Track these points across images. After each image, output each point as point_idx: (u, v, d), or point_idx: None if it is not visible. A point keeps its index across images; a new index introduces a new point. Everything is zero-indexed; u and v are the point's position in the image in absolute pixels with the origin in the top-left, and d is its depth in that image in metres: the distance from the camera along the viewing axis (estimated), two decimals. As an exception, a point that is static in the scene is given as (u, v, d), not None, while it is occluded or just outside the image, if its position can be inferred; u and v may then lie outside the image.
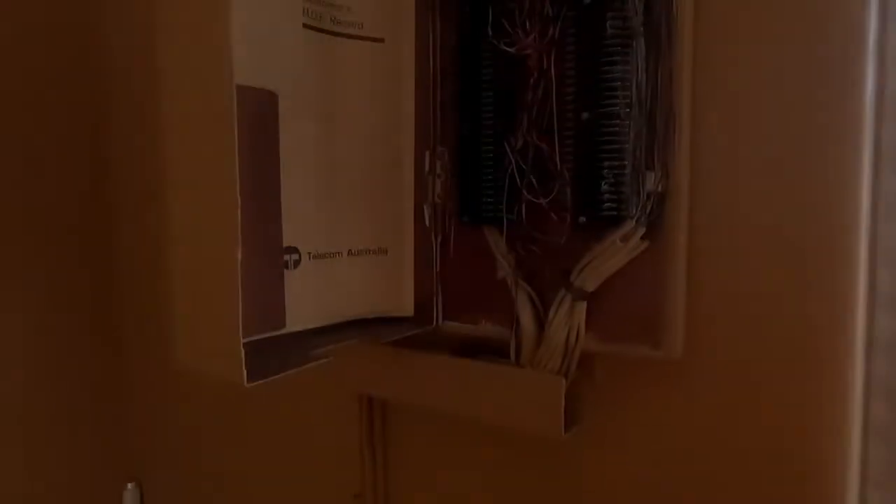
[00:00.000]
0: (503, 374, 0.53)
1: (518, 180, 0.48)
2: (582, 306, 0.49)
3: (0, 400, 0.83)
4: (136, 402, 0.95)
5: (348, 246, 0.57)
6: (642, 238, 0.45)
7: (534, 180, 0.48)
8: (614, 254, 0.46)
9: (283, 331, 0.51)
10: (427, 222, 0.58)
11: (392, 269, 0.59)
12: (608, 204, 0.44)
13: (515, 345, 0.53)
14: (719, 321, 0.47)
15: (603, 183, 0.44)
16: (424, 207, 0.58)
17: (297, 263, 0.52)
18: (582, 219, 0.45)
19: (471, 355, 0.56)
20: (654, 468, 0.51)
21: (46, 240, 0.85)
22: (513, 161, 0.48)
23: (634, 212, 0.44)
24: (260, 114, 0.48)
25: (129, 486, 0.97)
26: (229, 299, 0.40)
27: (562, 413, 0.49)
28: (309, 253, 0.54)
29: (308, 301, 0.53)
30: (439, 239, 0.58)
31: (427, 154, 0.57)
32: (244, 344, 0.47)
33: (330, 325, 0.55)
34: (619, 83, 0.42)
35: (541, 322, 0.52)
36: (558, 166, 0.46)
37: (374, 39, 0.56)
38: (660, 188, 0.44)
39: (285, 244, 0.51)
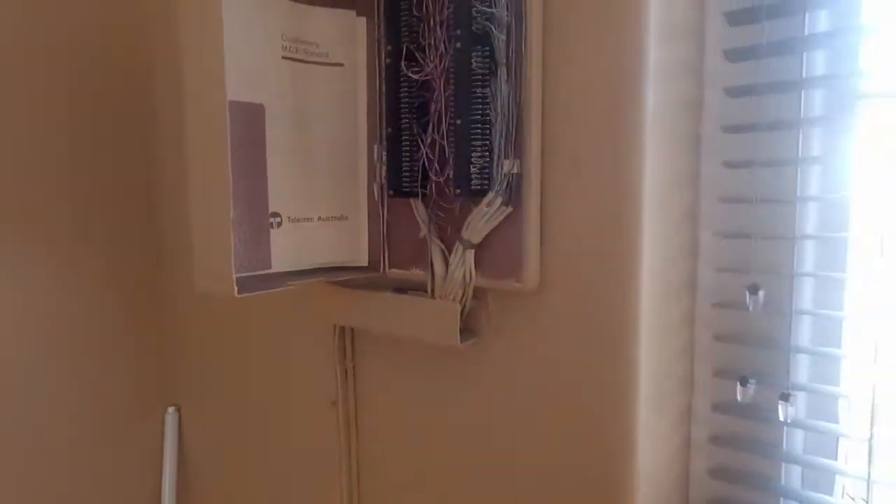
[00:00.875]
0: (423, 304, 0.75)
1: (426, 165, 0.69)
2: (471, 254, 0.70)
3: (52, 329, 0.99)
4: (175, 335, 1.18)
5: (318, 213, 0.79)
6: (506, 205, 0.66)
7: (437, 166, 0.69)
8: (485, 216, 0.67)
9: (270, 270, 0.74)
10: (375, 196, 0.80)
11: (351, 231, 0.81)
12: (475, 181, 0.65)
13: (431, 283, 0.74)
14: (560, 263, 0.67)
15: (472, 167, 0.65)
16: (373, 186, 0.80)
17: (279, 224, 0.75)
18: (458, 191, 0.66)
19: (404, 292, 0.78)
20: (521, 370, 0.72)
21: (102, 193, 1.06)
22: (424, 152, 0.70)
23: (496, 186, 0.65)
24: (251, 119, 0.71)
25: (170, 409, 1.20)
26: (225, 243, 0.62)
27: (457, 329, 0.71)
28: (288, 217, 0.76)
29: (288, 251, 0.76)
30: (385, 209, 0.79)
31: (375, 147, 0.79)
32: (242, 277, 0.71)
33: (304, 269, 0.78)
34: (479, 99, 0.63)
35: (448, 267, 0.73)
36: (447, 155, 0.67)
37: (336, 64, 0.78)
38: (516, 170, 0.65)
39: (271, 210, 0.74)
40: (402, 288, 0.79)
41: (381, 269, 0.80)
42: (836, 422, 0.66)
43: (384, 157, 0.77)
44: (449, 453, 0.81)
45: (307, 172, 0.77)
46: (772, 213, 0.65)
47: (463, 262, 0.70)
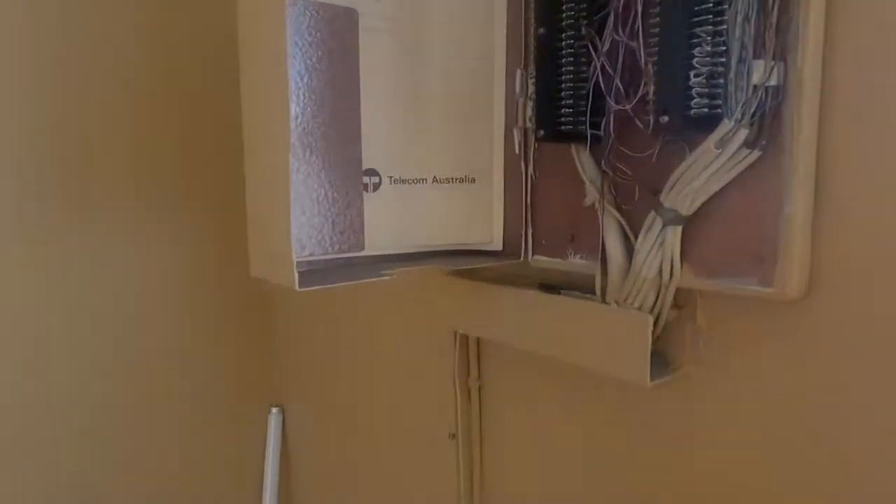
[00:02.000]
0: (587, 311, 0.48)
1: (602, 86, 0.42)
2: (675, 232, 0.41)
3: (164, 333, 0.94)
4: (281, 336, 1.04)
5: (433, 173, 0.55)
6: (749, 145, 0.37)
7: (620, 85, 0.41)
8: (710, 165, 0.38)
9: (361, 253, 0.51)
10: (516, 147, 0.54)
11: (480, 199, 0.56)
12: (698, 100, 0.36)
13: (602, 280, 0.47)
14: (855, 253, 0.36)
15: (692, 74, 0.36)
16: (513, 131, 0.54)
17: (376, 187, 0.52)
18: (664, 118, 0.38)
19: (556, 291, 0.51)
20: (764, 430, 0.42)
21: (204, 193, 0.95)
22: (599, 63, 0.42)
23: (735, 110, 0.36)
24: (336, 29, 0.48)
25: (274, 410, 1.07)
26: (283, 208, 0.40)
27: (647, 357, 0.43)
28: (391, 177, 0.53)
29: (388, 226, 0.52)
30: (530, 165, 0.53)
31: (517, 73, 0.53)
32: (317, 261, 0.49)
33: (411, 252, 0.54)
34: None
35: (632, 254, 0.45)
36: (642, 62, 0.39)
37: (462, -48, 0.53)
38: (774, 80, 0.35)
39: (364, 166, 0.51)
40: (552, 285, 0.52)
41: (523, 256, 0.54)
42: None
43: (530, 85, 0.51)
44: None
45: (418, 113, 0.53)
46: None
47: (661, 247, 0.42)
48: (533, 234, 0.54)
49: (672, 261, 0.42)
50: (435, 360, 0.69)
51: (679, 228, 0.41)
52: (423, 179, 0.54)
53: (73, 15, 0.79)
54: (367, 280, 0.45)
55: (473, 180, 0.55)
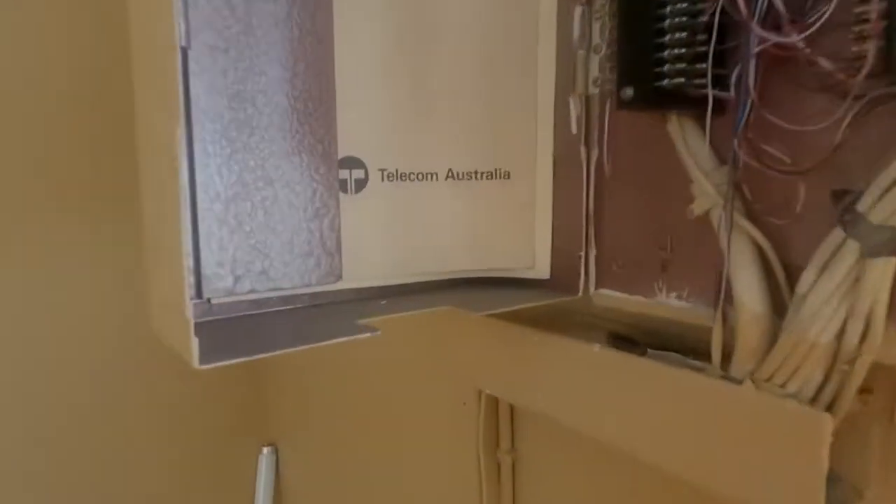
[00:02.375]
0: (697, 389, 0.29)
1: (741, 5, 0.23)
2: (887, 268, 0.23)
3: (150, 370, 0.82)
4: (273, 372, 0.88)
5: (447, 164, 0.37)
6: None
7: (781, 7, 0.23)
8: None
9: (337, 286, 0.34)
10: (573, 126, 0.35)
11: (516, 204, 0.37)
12: None
13: (723, 336, 0.28)
14: None
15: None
16: (570, 102, 0.35)
17: (360, 185, 0.34)
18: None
19: (637, 348, 0.32)
20: None
21: None
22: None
23: None
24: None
25: (265, 450, 0.91)
26: (176, 227, 0.22)
27: (820, 487, 0.24)
28: (382, 170, 0.35)
29: (378, 244, 0.35)
30: (594, 154, 0.35)
31: (579, 12, 0.34)
32: (260, 300, 0.31)
33: (413, 283, 0.36)
34: None
35: (779, 299, 0.26)
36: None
37: None
38: None
39: (342, 154, 0.33)
40: (631, 338, 0.34)
41: (581, 289, 0.35)
42: None
43: (599, 28, 0.33)
44: None
45: (423, 76, 0.35)
46: None
47: (852, 292, 0.23)
48: (598, 256, 0.35)
49: (870, 314, 0.23)
50: (453, 421, 0.51)
51: (892, 261, 0.22)
52: (431, 174, 0.36)
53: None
54: (338, 340, 0.27)
55: (507, 175, 0.37)
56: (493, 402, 0.47)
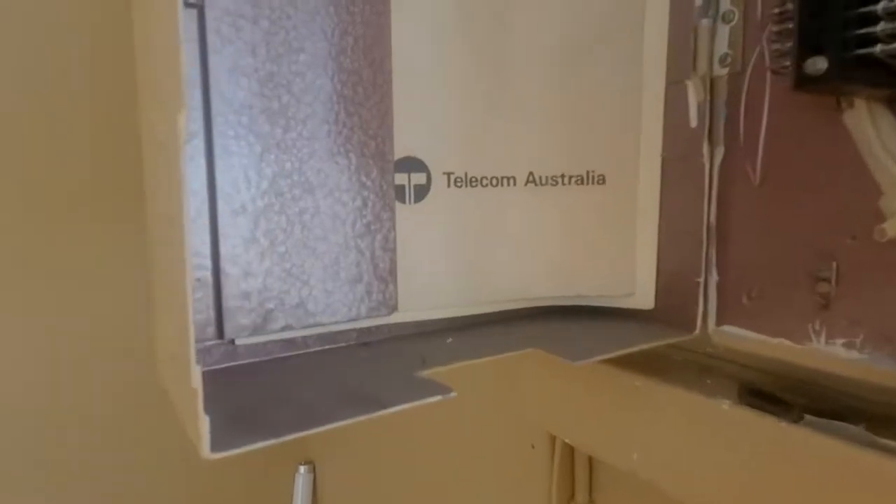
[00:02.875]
0: (860, 466, 0.21)
1: None
2: None
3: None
4: None
5: (527, 167, 0.29)
6: None
7: None
8: None
9: (391, 319, 0.27)
10: (693, 118, 0.27)
11: (613, 214, 0.30)
12: None
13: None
14: None
15: None
16: (688, 87, 0.27)
17: (423, 192, 0.27)
18: None
19: (786, 410, 0.25)
20: None
21: None
22: None
23: None
24: None
25: (302, 468, 0.86)
26: (180, 245, 0.16)
27: None
28: (448, 174, 0.28)
29: (443, 263, 0.28)
30: (721, 154, 0.27)
31: (701, -33, 0.26)
32: (296, 338, 0.24)
33: (485, 313, 0.29)
34: None
35: None
36: None
37: None
38: None
39: (398, 154, 0.27)
40: (772, 396, 0.26)
41: (697, 326, 0.28)
42: None
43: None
44: None
45: (498, 61, 0.28)
46: None
47: None
48: (721, 283, 0.27)
49: None
50: (517, 462, 0.44)
51: None
52: (508, 179, 0.29)
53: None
54: (399, 408, 0.20)
55: (602, 180, 0.30)
56: (569, 448, 0.39)
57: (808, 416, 0.24)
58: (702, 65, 0.27)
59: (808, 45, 0.19)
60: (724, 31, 0.27)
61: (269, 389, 0.20)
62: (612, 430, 0.32)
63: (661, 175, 0.29)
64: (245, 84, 0.22)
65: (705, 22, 0.27)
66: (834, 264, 0.23)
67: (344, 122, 0.24)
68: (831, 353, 0.24)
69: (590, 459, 0.40)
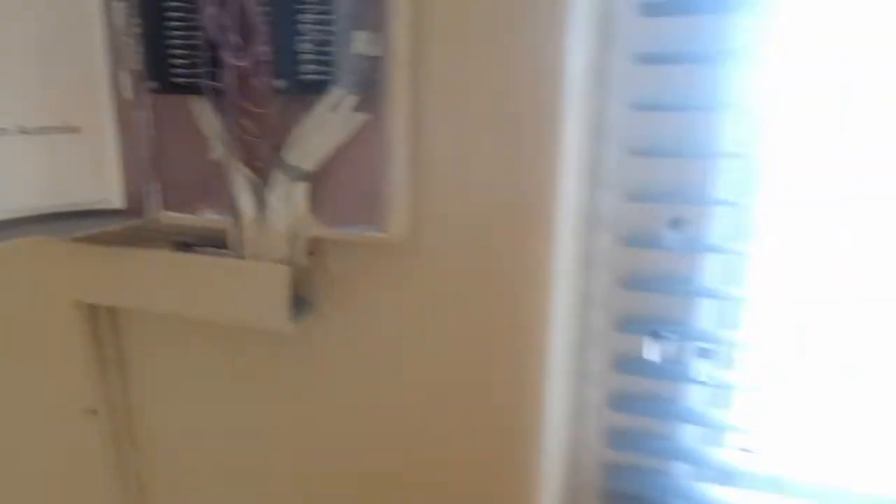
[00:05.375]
0: (224, 267, 0.47)
1: (215, 38, 0.40)
2: (302, 188, 0.44)
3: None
4: None
5: (19, 121, 0.45)
6: (358, 109, 0.41)
7: (234, 38, 0.40)
8: (325, 126, 0.41)
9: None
10: (129, 94, 0.48)
11: (88, 152, 0.48)
12: (307, 66, 0.38)
13: (236, 234, 0.47)
14: (448, 198, 0.45)
15: (300, 42, 0.38)
16: (119, 75, 0.47)
17: (-71, 141, 0.40)
18: (279, 82, 0.39)
19: (189, 249, 0.49)
20: (382, 356, 0.50)
21: None
22: (210, 13, 0.40)
23: (343, 77, 0.39)
24: None
25: None
26: None
27: (286, 304, 0.46)
28: (-49, 128, 0.41)
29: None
30: (149, 114, 0.48)
31: (118, 5, 0.46)
32: None
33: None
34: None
35: (263, 208, 0.46)
36: (251, 21, 0.38)
37: None
38: (374, 51, 0.40)
39: None
40: (186, 242, 0.50)
41: (147, 213, 0.50)
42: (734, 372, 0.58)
43: (133, 25, 0.45)
44: (275, 468, 0.58)
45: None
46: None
47: (288, 201, 0.44)
48: (160, 189, 0.50)
49: (301, 213, 0.45)
50: (61, 330, 0.60)
51: (304, 184, 0.44)
52: (1, 129, 0.44)
53: None
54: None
55: (77, 130, 0.48)
56: (95, 311, 0.58)
57: (197, 248, 0.49)
58: (130, 63, 0.47)
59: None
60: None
61: None
62: (111, 284, 0.52)
63: (117, 128, 0.49)
64: None
65: (126, 38, 0.47)
66: (205, 173, 0.48)
67: None
68: (209, 218, 0.49)
69: (112, 317, 0.59)
